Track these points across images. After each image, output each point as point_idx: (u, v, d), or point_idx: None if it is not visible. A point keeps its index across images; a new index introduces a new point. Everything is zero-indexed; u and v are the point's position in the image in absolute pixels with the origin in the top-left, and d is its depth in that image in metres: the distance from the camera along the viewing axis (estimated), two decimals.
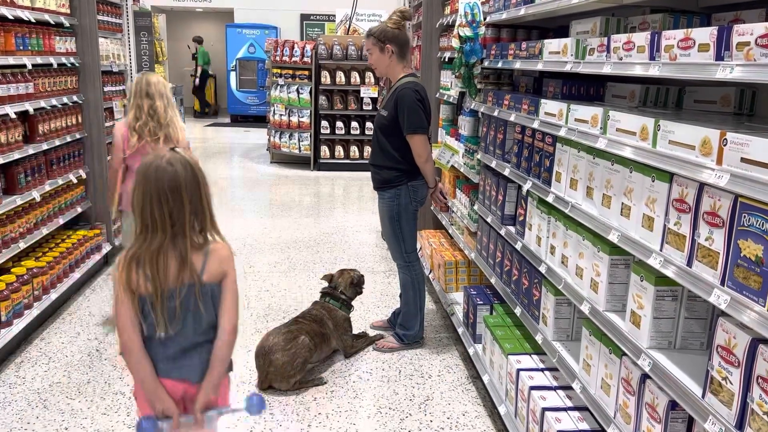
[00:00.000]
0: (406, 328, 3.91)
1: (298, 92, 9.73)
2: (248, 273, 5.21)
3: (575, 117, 2.46)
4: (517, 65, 3.16)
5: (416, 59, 5.47)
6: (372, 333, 4.09)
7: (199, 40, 17.10)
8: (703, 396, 1.66)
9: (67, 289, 4.43)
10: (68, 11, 4.72)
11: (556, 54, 2.68)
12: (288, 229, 6.57)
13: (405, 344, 3.91)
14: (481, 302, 3.55)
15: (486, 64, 3.74)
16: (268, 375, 3.37)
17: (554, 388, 2.63)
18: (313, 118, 9.71)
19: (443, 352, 3.91)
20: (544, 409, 2.48)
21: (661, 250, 1.87)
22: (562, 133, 2.54)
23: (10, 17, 3.80)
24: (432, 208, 5.38)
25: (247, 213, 7.28)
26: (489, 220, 3.58)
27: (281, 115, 9.88)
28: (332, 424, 3.12)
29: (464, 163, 4.21)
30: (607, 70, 2.30)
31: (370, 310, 4.50)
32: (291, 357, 3.33)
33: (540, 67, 2.84)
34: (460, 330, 3.86)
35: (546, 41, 2.79)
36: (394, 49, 3.61)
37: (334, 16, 13.24)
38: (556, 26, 3.74)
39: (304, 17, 16.54)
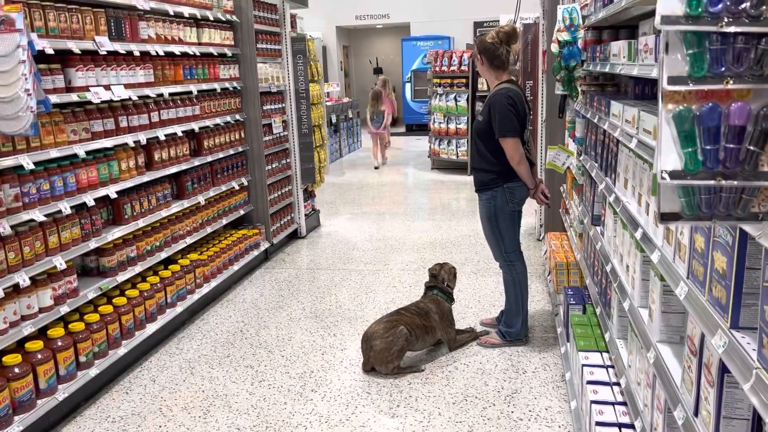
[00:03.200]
0: (509, 326, 4.06)
1: (456, 100, 10.06)
2: (381, 271, 5.66)
3: (625, 118, 2.51)
4: (598, 68, 3.21)
5: (543, 63, 5.53)
6: (479, 329, 4.29)
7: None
8: (680, 386, 1.72)
9: (227, 279, 5.23)
10: (232, 43, 5.55)
11: (615, 57, 2.73)
12: (429, 231, 6.94)
13: (507, 341, 4.06)
14: (574, 302, 3.60)
15: (585, 66, 3.78)
16: (370, 359, 3.75)
17: (610, 384, 2.68)
18: (469, 125, 9.98)
19: (545, 350, 3.99)
20: (592, 402, 2.55)
21: (662, 246, 1.92)
22: (616, 133, 2.60)
23: (178, 53, 4.64)
24: (560, 210, 5.40)
25: (395, 216, 7.78)
26: (585, 221, 3.63)
27: (440, 122, 10.29)
28: (418, 406, 3.41)
29: (576, 165, 4.25)
30: (655, 73, 2.33)
31: (485, 308, 4.70)
32: (388, 344, 3.68)
33: (607, 69, 2.89)
34: (559, 330, 3.92)
35: (612, 44, 2.84)
36: (484, 59, 3.81)
37: (499, 22, 13.31)
38: None
39: (477, 25, 16.81)
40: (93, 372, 3.53)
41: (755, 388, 1.15)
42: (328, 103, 12.31)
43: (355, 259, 6.08)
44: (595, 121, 3.21)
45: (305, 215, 7.01)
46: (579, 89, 3.90)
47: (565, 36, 3.77)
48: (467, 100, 10.00)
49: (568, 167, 4.56)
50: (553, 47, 3.92)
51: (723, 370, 1.41)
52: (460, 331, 4.16)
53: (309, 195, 7.28)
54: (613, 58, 2.79)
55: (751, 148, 0.98)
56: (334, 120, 12.49)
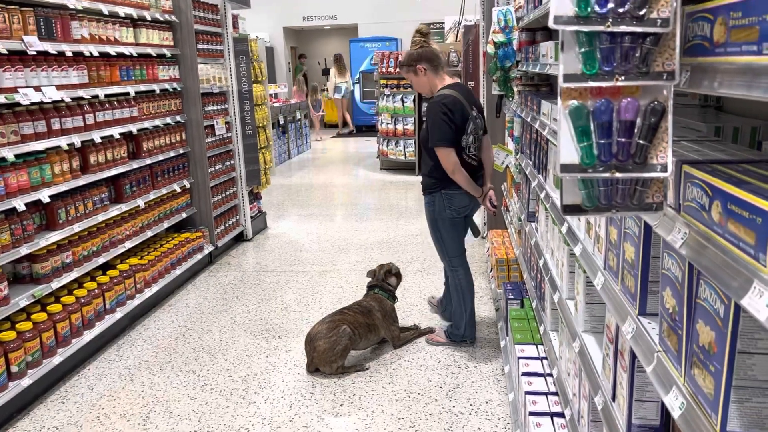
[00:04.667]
0: (455, 327, 4.09)
1: (402, 101, 10.13)
2: (329, 272, 5.66)
3: (553, 116, 2.58)
4: (531, 68, 3.29)
5: (483, 65, 5.64)
6: (424, 326, 4.33)
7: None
8: (600, 373, 1.78)
9: (169, 283, 5.13)
10: (171, 43, 5.46)
11: (544, 57, 2.81)
12: (377, 231, 6.97)
13: (452, 341, 4.09)
14: (512, 297, 3.69)
15: (520, 67, 3.87)
16: (313, 359, 3.75)
17: (544, 375, 2.75)
18: (416, 125, 10.06)
19: (487, 345, 4.07)
20: (526, 393, 2.62)
21: (584, 239, 1.99)
22: (545, 131, 2.68)
23: (114, 54, 4.53)
24: (501, 208, 5.50)
25: (344, 217, 7.79)
26: (522, 218, 3.72)
27: (387, 123, 10.35)
28: (362, 404, 3.43)
29: (514, 164, 4.34)
30: None
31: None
32: (332, 344, 3.69)
33: (538, 69, 2.97)
34: (500, 324, 4.00)
35: (542, 44, 2.92)
36: (426, 66, 3.80)
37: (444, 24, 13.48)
38: None
39: None
40: (26, 382, 3.42)
41: (656, 370, 1.21)
42: (276, 104, 12.22)
43: (302, 260, 6.06)
44: (529, 120, 3.29)
45: (251, 217, 6.94)
46: (515, 89, 3.99)
47: (500, 37, 3.86)
48: (413, 101, 10.07)
49: (507, 166, 4.66)
50: (488, 48, 4.00)
51: (634, 355, 1.47)
52: (404, 328, 4.20)
53: (255, 197, 7.22)
54: (542, 59, 2.87)
55: (641, 142, 1.04)
56: (282, 121, 12.40)
